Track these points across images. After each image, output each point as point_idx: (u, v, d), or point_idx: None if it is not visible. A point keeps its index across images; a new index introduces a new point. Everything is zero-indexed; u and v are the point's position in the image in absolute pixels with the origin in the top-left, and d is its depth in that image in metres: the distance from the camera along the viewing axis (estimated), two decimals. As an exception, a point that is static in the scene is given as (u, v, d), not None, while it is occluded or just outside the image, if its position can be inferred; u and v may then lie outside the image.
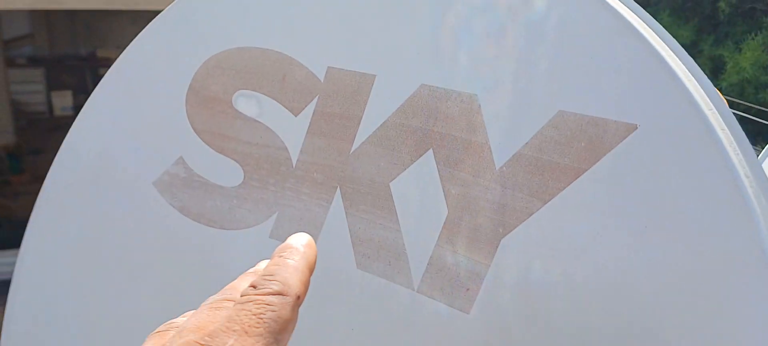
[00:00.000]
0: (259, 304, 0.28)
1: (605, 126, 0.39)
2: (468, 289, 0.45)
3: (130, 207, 0.60)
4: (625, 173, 0.38)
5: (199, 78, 0.56)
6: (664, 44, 0.37)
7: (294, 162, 0.53)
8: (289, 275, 0.29)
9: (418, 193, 0.47)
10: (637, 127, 0.37)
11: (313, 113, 0.52)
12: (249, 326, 0.27)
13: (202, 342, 0.27)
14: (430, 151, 0.46)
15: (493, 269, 0.44)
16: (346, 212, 0.51)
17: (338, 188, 0.51)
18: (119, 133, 0.60)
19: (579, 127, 0.40)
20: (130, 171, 0.60)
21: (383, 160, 0.49)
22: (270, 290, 0.28)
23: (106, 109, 0.60)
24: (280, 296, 0.28)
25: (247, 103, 0.55)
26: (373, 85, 0.48)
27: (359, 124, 0.49)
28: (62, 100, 3.57)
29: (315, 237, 0.52)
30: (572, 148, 0.40)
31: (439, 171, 0.46)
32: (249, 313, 0.28)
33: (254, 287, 0.29)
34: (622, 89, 0.38)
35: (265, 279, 0.29)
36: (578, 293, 0.40)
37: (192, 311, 0.30)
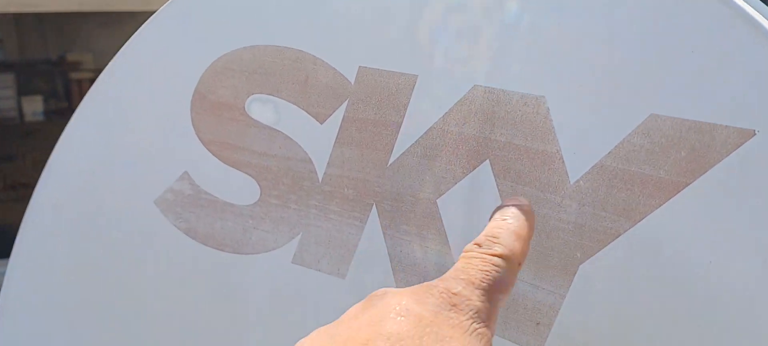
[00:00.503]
0: (486, 262, 0.29)
1: (713, 132, 0.32)
2: (538, 323, 0.39)
3: (127, 230, 0.52)
4: (740, 189, 0.32)
5: (206, 81, 0.49)
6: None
7: (320, 176, 0.46)
8: (513, 240, 0.30)
9: (473, 211, 0.41)
10: (754, 134, 0.31)
11: (343, 120, 0.45)
12: (475, 278, 0.29)
13: (431, 283, 0.28)
14: (487, 162, 0.40)
15: (569, 301, 0.38)
16: (384, 233, 0.44)
17: (374, 206, 0.44)
18: (113, 146, 0.52)
19: (677, 134, 0.33)
20: (128, 189, 0.52)
21: (428, 174, 0.42)
22: (495, 252, 0.30)
23: (97, 119, 0.52)
24: (505, 260, 0.30)
25: (262, 110, 0.48)
26: (414, 86, 0.42)
27: (398, 131, 0.43)
28: (33, 106, 3.45)
29: (347, 262, 0.45)
30: (669, 158, 0.34)
31: (498, 186, 0.40)
32: (476, 268, 0.29)
33: (479, 245, 0.30)
34: (734, 88, 0.32)
35: (490, 240, 0.30)
36: (681, 332, 0.34)
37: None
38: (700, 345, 0.33)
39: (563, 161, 0.37)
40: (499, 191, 0.40)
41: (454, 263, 0.41)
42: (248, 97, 0.48)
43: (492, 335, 0.29)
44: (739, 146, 0.32)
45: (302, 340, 0.27)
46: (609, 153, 0.36)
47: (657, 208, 0.34)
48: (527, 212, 0.32)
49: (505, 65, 0.38)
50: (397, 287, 0.43)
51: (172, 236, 0.51)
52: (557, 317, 0.38)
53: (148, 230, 0.52)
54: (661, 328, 0.35)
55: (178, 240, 0.51)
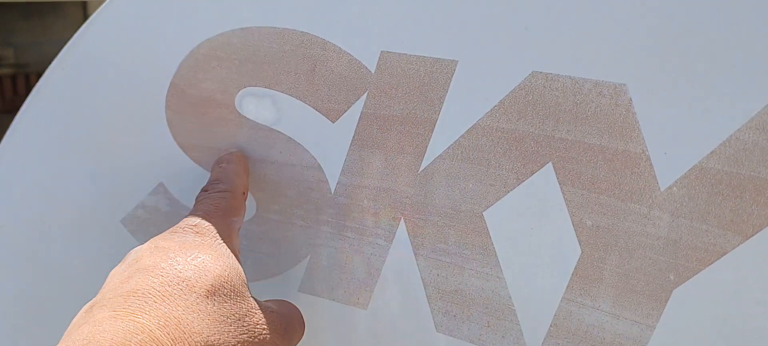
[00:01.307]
0: (213, 197, 0.36)
1: None
2: (619, 360, 0.32)
3: (87, 257, 0.43)
4: None
5: (184, 72, 0.40)
6: None
7: (332, 186, 0.38)
8: (233, 178, 0.37)
9: (530, 225, 0.33)
10: None
11: (361, 117, 0.37)
12: (208, 209, 0.35)
13: (176, 226, 0.34)
14: (550, 165, 0.33)
15: (660, 333, 0.31)
16: (415, 254, 0.36)
17: (402, 221, 0.37)
18: (67, 154, 0.42)
19: (805, 128, 0.27)
20: (86, 206, 0.42)
21: (472, 181, 0.35)
22: (220, 189, 0.36)
23: (45, 122, 0.42)
24: (229, 192, 0.36)
25: (258, 107, 0.39)
26: (453, 75, 0.34)
27: (433, 130, 0.35)
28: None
29: (371, 287, 0.38)
30: (794, 158, 0.27)
31: (563, 194, 0.33)
32: (207, 202, 0.35)
33: (206, 190, 0.37)
34: None
35: (213, 184, 0.37)
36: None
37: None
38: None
39: (651, 163, 0.30)
40: (565, 200, 0.32)
41: (507, 288, 0.34)
42: (239, 91, 0.39)
43: (238, 249, 0.35)
44: None
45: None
46: (712, 153, 0.29)
47: (777, 219, 0.28)
48: (238, 156, 0.39)
49: (572, 46, 0.31)
50: (434, 320, 0.36)
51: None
52: (644, 352, 0.31)
53: (113, 255, 0.42)
54: (784, 366, 0.29)
55: (153, 267, 0.42)
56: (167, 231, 0.33)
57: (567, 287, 0.33)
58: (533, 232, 0.33)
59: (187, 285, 0.30)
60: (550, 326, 0.33)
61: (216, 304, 0.30)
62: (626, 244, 0.31)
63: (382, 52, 0.36)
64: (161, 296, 0.29)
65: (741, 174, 0.28)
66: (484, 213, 0.35)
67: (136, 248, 0.33)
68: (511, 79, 0.33)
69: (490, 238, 0.35)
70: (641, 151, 0.30)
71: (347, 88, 0.37)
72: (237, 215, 0.36)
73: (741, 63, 0.28)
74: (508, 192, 0.34)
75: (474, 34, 0.33)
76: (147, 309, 0.28)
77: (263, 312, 0.32)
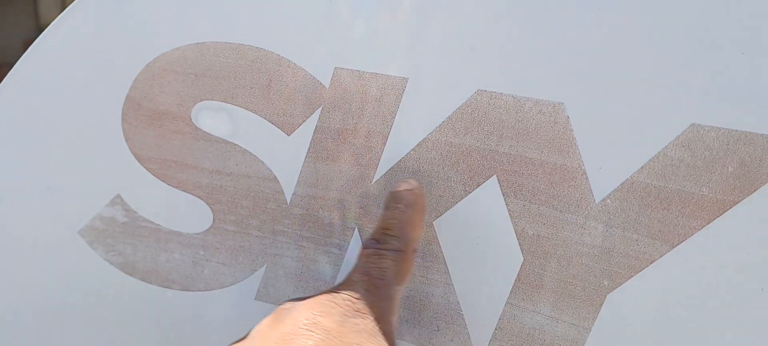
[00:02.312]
0: (384, 257, 0.31)
1: (766, 145, 0.29)
2: (558, 361, 0.34)
3: (44, 268, 0.43)
4: (800, 207, 0.28)
5: (140, 86, 0.40)
6: None
7: (288, 197, 0.39)
8: (408, 230, 0.32)
9: (476, 234, 0.35)
10: (817, 146, 0.28)
11: (315, 130, 0.38)
12: (376, 277, 0.31)
13: (334, 291, 0.30)
14: (494, 178, 0.35)
15: (595, 335, 0.33)
16: (368, 262, 0.38)
17: (355, 230, 0.38)
18: (22, 165, 0.42)
19: (723, 147, 0.30)
20: (43, 217, 0.43)
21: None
22: (392, 247, 0.32)
23: (2, 133, 0.42)
24: (401, 253, 0.32)
25: (214, 120, 0.40)
26: (404, 91, 0.36)
27: (385, 144, 0.37)
28: None
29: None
30: (714, 174, 0.30)
31: (507, 205, 0.34)
32: (375, 266, 0.31)
33: (377, 241, 0.32)
34: (791, 94, 0.28)
35: (384, 235, 0.32)
36: (730, 365, 0.31)
37: None
38: (755, 383, 0.30)
39: (587, 177, 0.32)
40: (508, 210, 0.34)
41: (455, 295, 0.36)
42: (195, 104, 0.40)
43: (396, 324, 0.31)
44: (798, 160, 0.28)
45: None
46: (642, 168, 0.31)
47: (699, 229, 0.30)
48: (418, 195, 0.34)
49: (515, 66, 0.33)
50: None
51: (104, 272, 0.42)
52: (581, 353, 0.34)
53: (71, 266, 0.43)
54: (705, 364, 0.31)
55: (110, 277, 0.42)
56: (328, 298, 0.30)
57: (511, 293, 0.35)
58: (479, 240, 0.35)
59: None
60: (495, 329, 0.35)
61: None
62: (564, 252, 0.33)
63: (335, 68, 0.37)
64: None
65: (668, 188, 0.31)
66: (434, 223, 0.36)
67: (295, 308, 0.30)
68: (458, 96, 0.35)
69: (440, 246, 0.36)
70: (578, 165, 0.33)
71: (302, 102, 0.38)
72: (404, 281, 0.32)
73: (668, 85, 0.30)
74: (456, 203, 0.36)
75: (423, 53, 0.35)
76: None
77: None
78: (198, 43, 0.39)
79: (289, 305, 0.30)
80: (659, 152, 0.31)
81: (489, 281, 0.35)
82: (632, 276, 0.32)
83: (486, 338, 0.36)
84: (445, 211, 0.36)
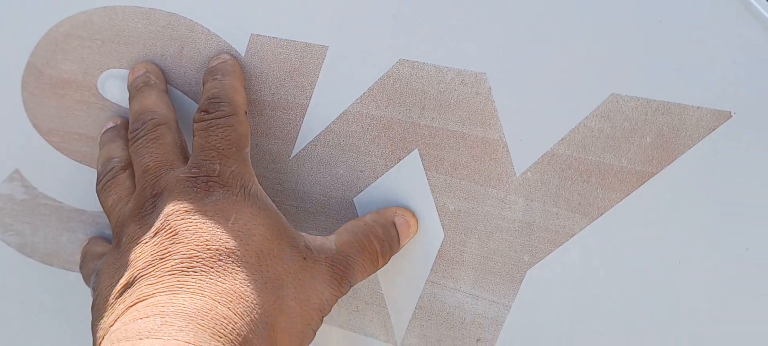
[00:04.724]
0: (222, 128, 0.31)
1: (683, 114, 0.28)
2: (479, 339, 0.33)
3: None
4: (712, 180, 0.28)
5: (42, 52, 0.38)
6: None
7: (202, 172, 0.37)
8: (232, 95, 0.33)
9: (394, 207, 0.34)
10: (731, 116, 0.28)
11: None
12: (222, 146, 0.31)
13: (191, 174, 0.30)
14: (415, 152, 0.33)
15: (516, 311, 0.32)
16: (286, 241, 0.36)
17: (273, 207, 0.36)
18: None
19: (642, 117, 0.29)
20: (-70, 195, 0.39)
21: (343, 167, 0.35)
22: (223, 113, 0.32)
23: None
24: (234, 117, 0.32)
25: (122, 89, 0.37)
26: (324, 60, 0.34)
27: (304, 116, 0.35)
28: None
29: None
30: (633, 144, 0.29)
31: (428, 179, 0.33)
32: (218, 137, 0.31)
33: (206, 111, 0.32)
34: (708, 63, 0.28)
35: (213, 102, 0.32)
36: (645, 344, 0.30)
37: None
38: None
39: (508, 150, 0.32)
40: (430, 185, 0.33)
41: (376, 274, 0.34)
42: (102, 72, 0.37)
43: (257, 183, 0.31)
44: (713, 130, 0.28)
45: None
46: (562, 140, 0.31)
47: (618, 202, 0.30)
48: (233, 64, 0.34)
49: (437, 35, 0.32)
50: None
51: (0, 255, 0.39)
52: (501, 331, 0.33)
53: (-37, 247, 0.39)
54: (623, 340, 0.31)
55: (7, 260, 0.39)
56: (186, 178, 0.30)
57: (431, 270, 0.34)
58: (400, 217, 0.34)
59: (236, 256, 0.28)
60: (415, 308, 0.34)
61: (269, 268, 0.29)
62: (485, 227, 0.32)
63: (252, 35, 0.35)
64: (215, 272, 0.27)
65: (588, 159, 0.30)
66: (354, 199, 0.35)
67: (155, 205, 0.30)
68: (380, 66, 0.33)
69: (360, 223, 0.35)
70: (499, 137, 0.32)
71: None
72: (248, 145, 0.32)
73: (589, 55, 0.30)
74: (378, 178, 0.34)
75: (344, 20, 0.33)
76: (206, 287, 0.27)
77: (315, 262, 0.30)
78: (106, 7, 0.37)
79: (151, 201, 0.30)
80: (579, 123, 0.30)
81: (409, 258, 0.34)
82: (552, 251, 0.31)
83: (406, 318, 0.34)
84: (366, 187, 0.35)
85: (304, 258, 0.30)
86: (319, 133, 0.35)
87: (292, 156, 0.35)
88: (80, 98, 0.38)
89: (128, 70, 0.37)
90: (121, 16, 0.37)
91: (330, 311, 0.30)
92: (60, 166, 0.38)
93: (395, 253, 0.33)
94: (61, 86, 0.38)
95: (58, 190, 0.39)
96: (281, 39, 0.35)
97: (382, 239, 0.32)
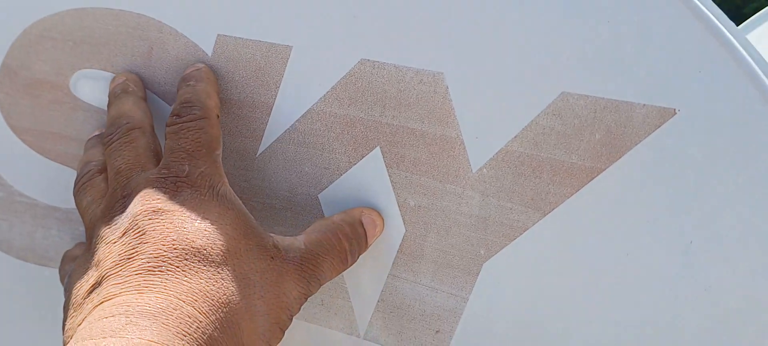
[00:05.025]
0: (191, 128, 0.32)
1: (630, 112, 0.29)
2: (438, 331, 0.34)
3: None
4: (658, 175, 0.29)
5: (16, 53, 0.38)
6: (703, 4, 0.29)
7: (172, 170, 0.38)
8: (204, 99, 0.34)
9: (360, 206, 0.35)
10: (675, 113, 0.29)
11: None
12: (192, 149, 0.32)
13: (161, 175, 0.31)
14: (377, 149, 0.34)
15: (473, 304, 0.33)
16: (253, 236, 0.37)
17: (241, 204, 0.37)
18: None
19: (591, 114, 0.30)
20: None
21: (308, 165, 0.36)
22: (194, 116, 0.33)
23: None
24: (205, 120, 0.33)
25: (93, 89, 0.38)
26: (288, 60, 0.35)
27: (269, 115, 0.36)
28: None
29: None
30: (582, 141, 0.30)
31: (390, 176, 0.34)
32: (187, 139, 0.32)
33: (178, 115, 0.33)
34: (653, 62, 0.29)
35: (185, 106, 0.33)
36: (594, 336, 0.31)
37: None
38: (618, 346, 0.31)
39: (465, 147, 0.33)
40: (391, 181, 0.34)
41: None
42: (74, 73, 0.38)
43: (227, 184, 0.32)
44: (658, 127, 0.29)
45: None
46: (515, 137, 0.32)
47: (569, 197, 0.31)
48: (206, 71, 0.35)
49: (397, 35, 0.33)
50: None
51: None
52: (460, 323, 0.34)
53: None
54: (574, 330, 0.32)
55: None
56: (155, 179, 0.31)
57: (393, 265, 0.35)
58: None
59: (202, 256, 0.28)
60: (378, 301, 0.35)
61: (236, 267, 0.29)
62: (443, 222, 0.33)
63: (218, 35, 0.36)
64: (181, 271, 0.28)
65: (540, 156, 0.31)
66: (319, 195, 0.36)
67: (124, 205, 0.30)
68: (342, 66, 0.34)
69: (325, 219, 0.36)
70: (456, 135, 0.33)
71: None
72: (219, 147, 0.33)
73: (540, 55, 0.31)
74: (342, 175, 0.35)
75: (307, 21, 0.34)
76: (171, 287, 0.27)
77: (284, 261, 0.30)
78: (77, 9, 0.38)
79: (120, 202, 0.31)
80: (532, 121, 0.31)
81: (372, 253, 0.35)
82: (507, 245, 0.32)
83: (369, 311, 0.35)
84: (330, 184, 0.35)
85: (272, 257, 0.30)
86: (285, 132, 0.36)
87: (258, 154, 0.36)
88: (54, 98, 0.39)
89: (99, 71, 0.38)
90: (92, 18, 0.37)
91: (299, 310, 0.31)
92: (34, 164, 0.39)
93: (363, 252, 0.34)
94: (35, 86, 0.39)
95: (32, 188, 0.40)
96: (247, 39, 0.35)
97: (351, 238, 0.33)
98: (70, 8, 0.38)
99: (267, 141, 0.36)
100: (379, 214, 0.34)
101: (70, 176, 0.39)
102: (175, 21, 0.36)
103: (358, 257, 0.33)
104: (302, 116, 0.35)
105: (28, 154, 0.39)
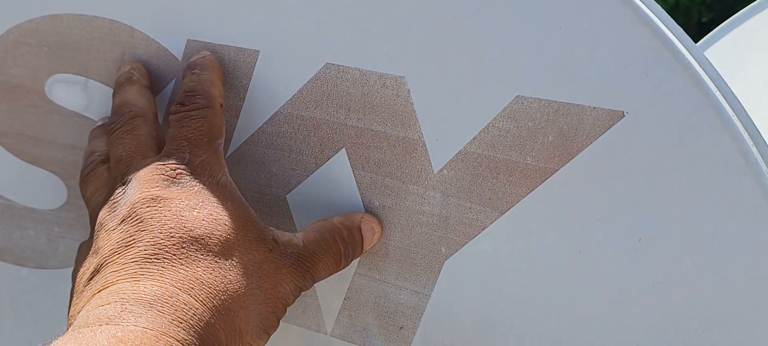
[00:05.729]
0: (196, 120, 0.32)
1: (581, 114, 0.30)
2: (402, 327, 0.35)
3: None
4: (608, 175, 0.30)
5: (-10, 58, 0.39)
6: (650, 9, 0.30)
7: (145, 172, 0.39)
8: (208, 88, 0.34)
9: (327, 206, 0.36)
10: (624, 115, 0.30)
11: (169, 103, 0.38)
12: (194, 137, 0.32)
13: (161, 163, 0.31)
14: (343, 151, 0.35)
15: (435, 300, 0.34)
16: (224, 236, 0.38)
17: (212, 205, 0.38)
18: None
19: (544, 117, 0.31)
20: None
21: (276, 166, 0.37)
22: (198, 105, 0.33)
23: None
24: (209, 109, 0.33)
25: (68, 93, 0.39)
26: (255, 64, 0.36)
27: (238, 117, 0.37)
28: None
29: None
30: (536, 143, 0.31)
31: (355, 177, 0.35)
32: (190, 127, 0.32)
33: (182, 103, 0.33)
34: (602, 67, 0.30)
35: (189, 96, 0.33)
36: (549, 330, 0.32)
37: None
38: (571, 341, 0.32)
39: (426, 149, 0.34)
40: (357, 183, 0.35)
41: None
42: (49, 77, 0.39)
43: (228, 174, 0.32)
44: (608, 129, 0.30)
45: None
46: (473, 139, 0.33)
47: (524, 196, 0.32)
48: (211, 59, 0.35)
49: (360, 41, 0.34)
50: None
51: (-47, 251, 0.41)
52: (422, 319, 0.35)
53: None
54: (531, 325, 0.33)
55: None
56: (155, 166, 0.31)
57: (359, 263, 0.36)
58: (330, 213, 0.36)
59: (201, 244, 0.29)
60: (344, 299, 0.36)
61: (234, 256, 0.29)
62: (407, 221, 0.34)
63: (188, 40, 0.37)
64: (178, 259, 0.28)
65: (497, 157, 0.32)
66: (287, 196, 0.37)
67: (124, 193, 0.31)
68: (308, 69, 0.35)
69: (293, 219, 0.37)
70: (418, 137, 0.34)
71: (155, 74, 0.38)
72: (222, 136, 0.33)
73: (496, 59, 0.32)
74: (309, 176, 0.36)
75: (274, 25, 0.35)
76: (167, 275, 0.27)
77: (281, 255, 0.31)
78: (52, 15, 0.39)
79: (121, 189, 0.31)
80: (489, 123, 0.32)
81: (338, 251, 0.36)
82: (467, 243, 0.33)
83: (336, 308, 0.36)
84: (298, 184, 0.36)
85: (271, 250, 0.30)
86: (253, 134, 0.37)
87: (227, 156, 0.37)
88: (30, 102, 0.40)
89: (73, 75, 0.39)
90: (66, 24, 0.38)
91: (294, 302, 0.31)
92: (11, 166, 0.40)
93: (358, 256, 0.34)
94: (12, 91, 0.40)
95: (9, 189, 0.41)
96: (216, 44, 0.36)
97: (347, 242, 0.33)
98: (45, 15, 0.39)
99: (236, 143, 0.37)
100: (379, 222, 0.34)
101: (45, 177, 0.40)
102: (146, 26, 0.37)
103: (351, 262, 0.34)
104: (270, 119, 0.36)
105: (4, 156, 0.40)
